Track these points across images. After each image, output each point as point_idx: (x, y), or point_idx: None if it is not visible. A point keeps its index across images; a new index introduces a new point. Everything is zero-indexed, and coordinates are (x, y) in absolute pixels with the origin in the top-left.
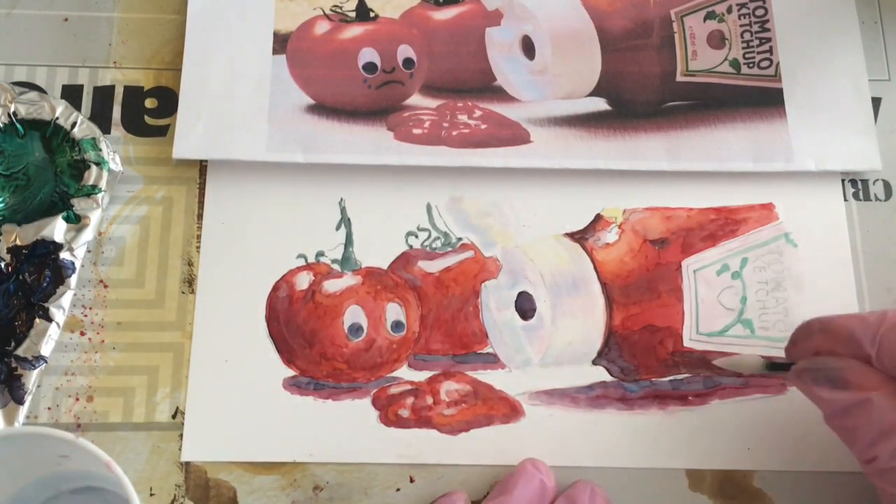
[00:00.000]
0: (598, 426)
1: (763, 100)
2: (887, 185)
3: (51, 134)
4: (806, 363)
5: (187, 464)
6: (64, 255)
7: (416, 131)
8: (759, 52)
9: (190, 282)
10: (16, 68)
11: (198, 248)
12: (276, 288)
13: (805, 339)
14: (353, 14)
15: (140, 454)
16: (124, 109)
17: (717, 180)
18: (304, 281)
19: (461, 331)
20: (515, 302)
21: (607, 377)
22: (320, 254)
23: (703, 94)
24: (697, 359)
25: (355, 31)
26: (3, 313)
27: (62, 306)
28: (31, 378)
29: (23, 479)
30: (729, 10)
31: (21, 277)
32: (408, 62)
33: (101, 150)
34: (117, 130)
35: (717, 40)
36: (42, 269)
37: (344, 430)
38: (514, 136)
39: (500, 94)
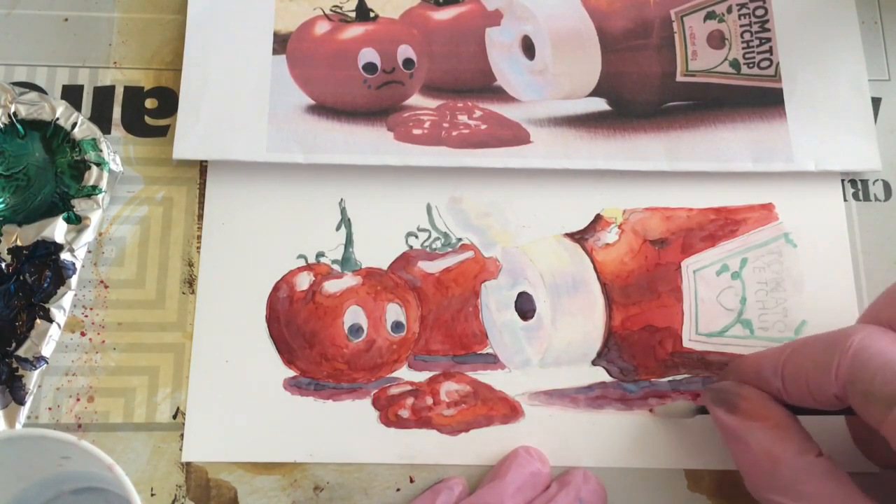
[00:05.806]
0: (598, 426)
1: (763, 100)
2: (887, 186)
3: (51, 134)
4: (712, 385)
5: (188, 464)
6: (64, 255)
7: (416, 131)
8: (759, 52)
9: (190, 282)
10: (16, 68)
11: (198, 248)
12: (276, 288)
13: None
14: (353, 14)
15: (141, 454)
16: (124, 110)
17: (717, 180)
18: (304, 281)
19: (461, 331)
20: (515, 302)
21: (607, 377)
22: (320, 254)
23: (703, 94)
24: (696, 359)
25: (355, 31)
26: (4, 314)
27: (63, 307)
28: (32, 378)
29: (24, 481)
30: (729, 10)
31: (22, 278)
32: (408, 62)
33: (101, 150)
34: (117, 131)
35: (717, 40)
36: (43, 270)
37: (344, 430)
38: (514, 136)
39: (500, 95)
